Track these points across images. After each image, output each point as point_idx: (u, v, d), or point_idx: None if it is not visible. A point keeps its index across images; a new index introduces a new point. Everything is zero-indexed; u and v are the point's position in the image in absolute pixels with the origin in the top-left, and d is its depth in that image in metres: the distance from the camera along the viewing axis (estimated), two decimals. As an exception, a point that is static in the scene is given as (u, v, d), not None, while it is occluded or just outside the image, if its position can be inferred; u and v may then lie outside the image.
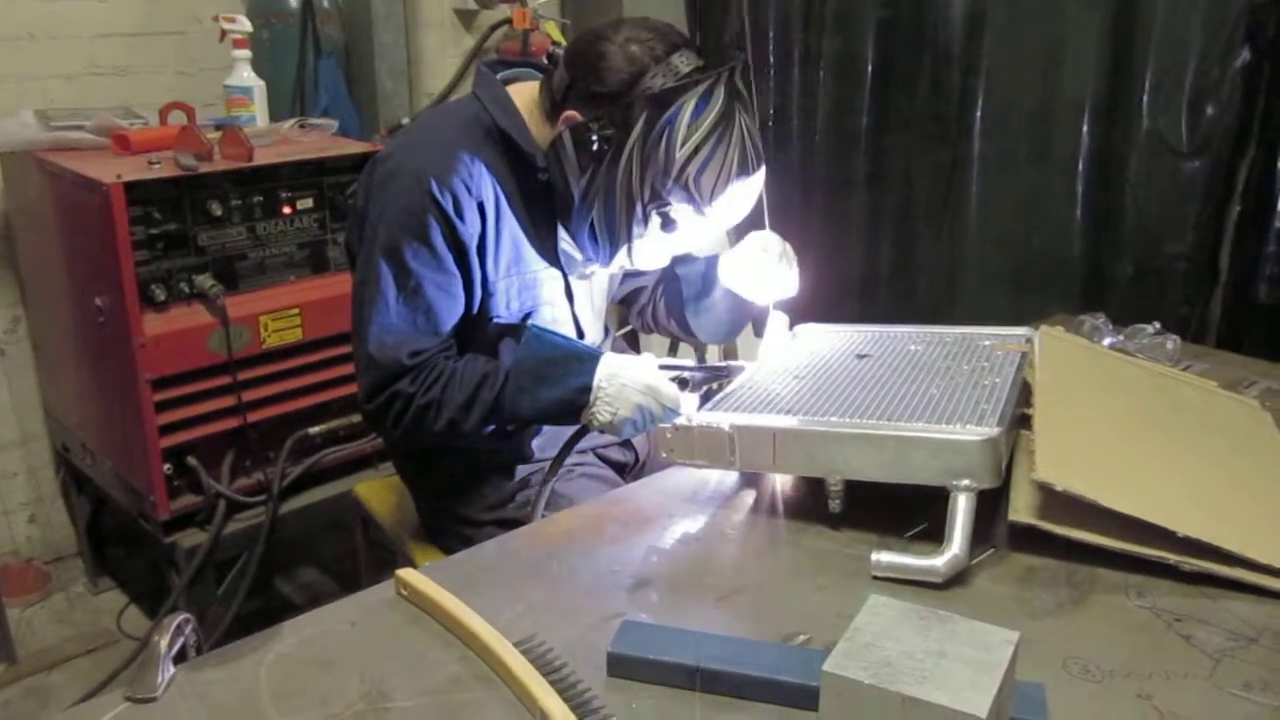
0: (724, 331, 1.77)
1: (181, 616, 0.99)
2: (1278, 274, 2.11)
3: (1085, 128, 2.32)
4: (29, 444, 2.79)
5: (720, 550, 1.23)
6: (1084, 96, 2.31)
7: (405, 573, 1.10)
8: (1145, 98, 2.20)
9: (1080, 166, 2.35)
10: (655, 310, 1.82)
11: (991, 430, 1.15)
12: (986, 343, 1.50)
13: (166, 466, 2.21)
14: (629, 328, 2.02)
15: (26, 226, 2.54)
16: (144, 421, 2.15)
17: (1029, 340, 1.49)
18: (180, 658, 0.99)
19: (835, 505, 1.20)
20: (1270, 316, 2.13)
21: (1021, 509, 1.18)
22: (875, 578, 1.12)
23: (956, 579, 1.11)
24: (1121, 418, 1.36)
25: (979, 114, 2.48)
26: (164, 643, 0.97)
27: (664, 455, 1.28)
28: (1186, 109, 2.15)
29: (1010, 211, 2.50)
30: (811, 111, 2.86)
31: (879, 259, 2.83)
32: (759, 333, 1.61)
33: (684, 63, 1.39)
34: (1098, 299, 2.32)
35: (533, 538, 1.28)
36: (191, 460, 2.24)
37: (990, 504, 1.20)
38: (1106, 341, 1.72)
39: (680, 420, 1.27)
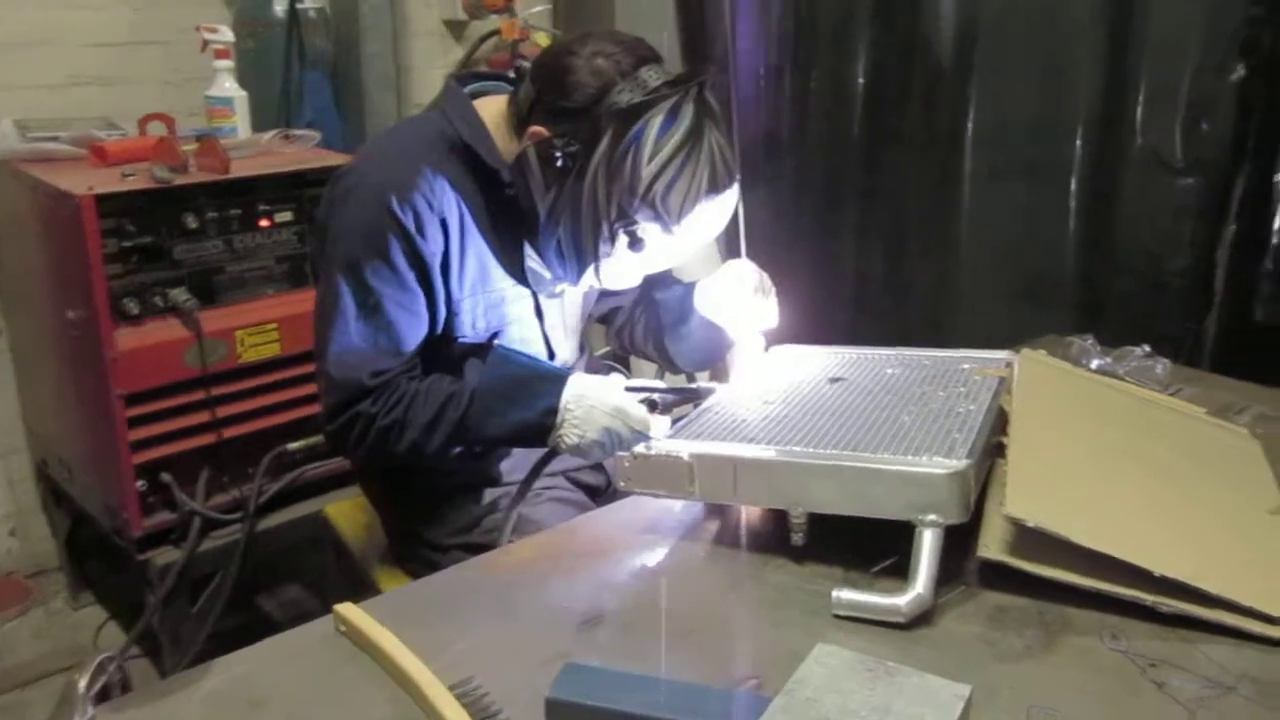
0: (702, 359, 1.72)
1: (104, 654, 0.95)
2: (1273, 293, 2.06)
3: (1079, 143, 2.28)
4: (10, 456, 2.76)
5: (677, 585, 1.18)
6: (1078, 112, 2.27)
7: (344, 608, 1.05)
8: (1139, 113, 2.16)
9: (1074, 182, 2.30)
10: (633, 332, 1.78)
11: (959, 463, 1.10)
12: (966, 366, 1.45)
13: (140, 483, 2.17)
14: (608, 348, 1.98)
15: (5, 237, 2.51)
16: (116, 437, 2.12)
17: (1009, 364, 1.44)
18: (103, 697, 0.95)
19: (798, 538, 1.16)
20: (1267, 337, 2.08)
21: (992, 544, 1.13)
22: (836, 616, 1.07)
23: (922, 618, 1.06)
24: (1101, 448, 1.31)
25: (971, 129, 2.43)
26: (83, 682, 0.92)
27: (621, 485, 1.23)
28: (1181, 125, 2.10)
29: (1003, 227, 2.45)
30: (803, 127, 2.81)
31: (872, 275, 2.79)
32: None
33: (652, 77, 1.35)
34: (1092, 316, 2.27)
35: (487, 568, 1.24)
36: (166, 477, 2.21)
37: (963, 538, 1.15)
38: (1094, 364, 1.67)
39: (639, 448, 1.22)
